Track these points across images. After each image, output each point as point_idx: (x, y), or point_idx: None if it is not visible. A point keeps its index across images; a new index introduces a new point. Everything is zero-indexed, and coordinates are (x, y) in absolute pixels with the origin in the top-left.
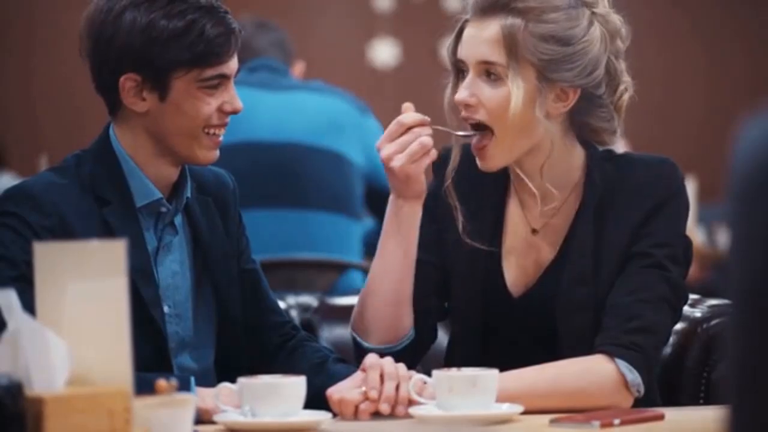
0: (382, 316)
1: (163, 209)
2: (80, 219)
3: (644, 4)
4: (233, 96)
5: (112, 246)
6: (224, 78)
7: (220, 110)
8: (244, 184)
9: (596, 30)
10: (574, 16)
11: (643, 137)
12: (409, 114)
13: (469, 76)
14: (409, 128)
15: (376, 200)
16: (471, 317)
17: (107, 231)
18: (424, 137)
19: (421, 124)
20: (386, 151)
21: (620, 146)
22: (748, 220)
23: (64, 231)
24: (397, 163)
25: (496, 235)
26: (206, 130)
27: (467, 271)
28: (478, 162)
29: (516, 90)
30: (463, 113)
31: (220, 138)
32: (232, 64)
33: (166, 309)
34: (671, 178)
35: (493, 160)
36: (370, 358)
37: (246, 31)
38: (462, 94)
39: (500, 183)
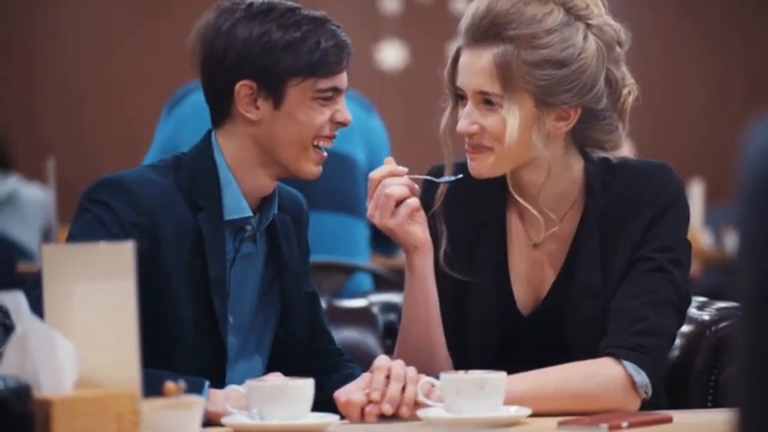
0: (416, 364)
1: (249, 227)
2: (173, 221)
3: (648, 8)
4: (344, 107)
5: (121, 249)
6: (337, 92)
7: (332, 120)
8: None
9: (591, 44)
10: (568, 35)
11: (647, 140)
12: (379, 168)
13: (468, 105)
14: (379, 182)
15: None
16: (485, 338)
17: (198, 236)
18: (388, 189)
19: (391, 175)
20: (368, 210)
21: (624, 148)
22: (756, 222)
23: (152, 231)
24: (375, 220)
25: (502, 253)
26: (315, 142)
27: (478, 294)
28: (468, 165)
29: (512, 119)
30: (468, 141)
31: (325, 154)
32: (344, 78)
33: (231, 320)
34: (671, 185)
35: (485, 170)
36: (380, 360)
37: None
38: (462, 124)
39: (500, 199)
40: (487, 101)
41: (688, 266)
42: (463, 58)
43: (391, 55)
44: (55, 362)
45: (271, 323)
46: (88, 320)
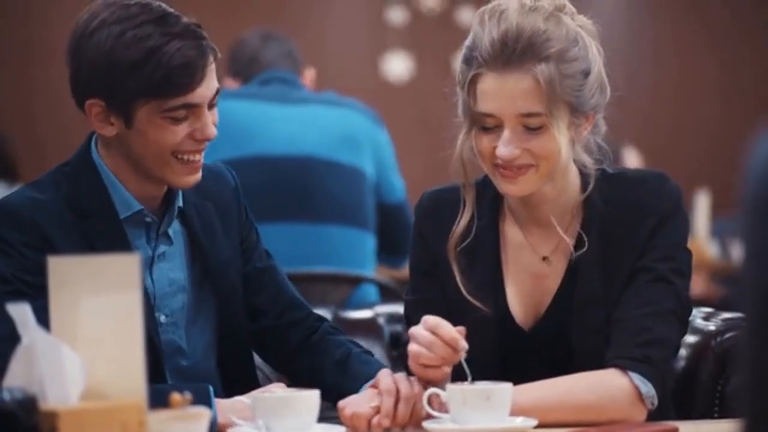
0: None
1: (148, 219)
2: (61, 233)
3: (662, 19)
4: (205, 124)
5: (126, 260)
6: (192, 107)
7: (192, 138)
8: (259, 197)
9: (592, 44)
10: (582, 42)
11: (656, 150)
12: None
13: (507, 132)
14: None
15: (378, 213)
16: (486, 357)
17: (88, 244)
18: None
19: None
20: None
21: (632, 157)
22: (761, 233)
23: (46, 245)
24: None
25: (497, 270)
26: (178, 156)
27: (476, 314)
28: (505, 187)
29: (562, 137)
30: (504, 164)
31: (199, 161)
32: (201, 92)
33: (162, 318)
34: (670, 193)
35: (527, 186)
36: (386, 380)
37: (252, 45)
38: (504, 150)
39: (492, 218)
40: (529, 124)
41: (689, 275)
42: (494, 84)
43: (397, 66)
44: (61, 374)
45: (213, 315)
46: (94, 331)
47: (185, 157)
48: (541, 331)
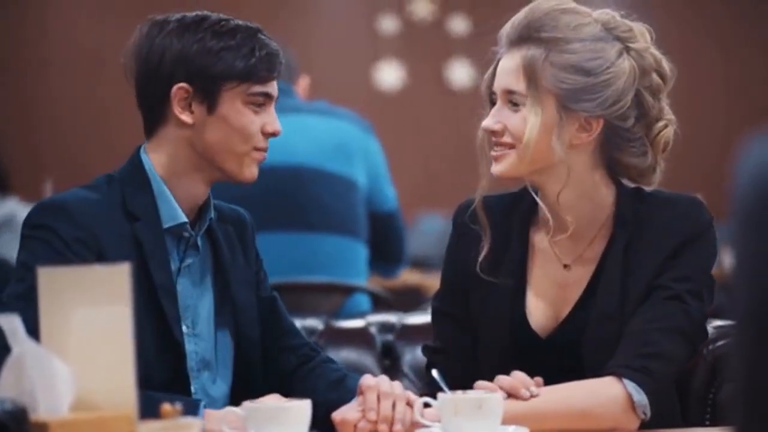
0: None
1: (186, 234)
2: (111, 233)
3: (665, 19)
4: (274, 118)
5: (117, 271)
6: (268, 98)
7: (263, 131)
8: (250, 207)
9: (625, 63)
10: (600, 48)
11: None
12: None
13: (497, 105)
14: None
15: (371, 223)
16: (498, 360)
17: (137, 246)
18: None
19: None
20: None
21: None
22: (752, 241)
23: (95, 244)
24: None
25: (523, 274)
26: (252, 154)
27: (494, 317)
28: (492, 167)
29: (533, 117)
30: (492, 139)
31: (264, 155)
32: (275, 86)
33: (184, 328)
34: (699, 218)
35: (505, 167)
36: (367, 380)
37: None
38: (488, 121)
39: (524, 222)
40: (512, 101)
41: (709, 301)
42: (501, 63)
43: (389, 75)
44: (51, 385)
45: (232, 330)
46: (85, 342)
47: (261, 151)
48: (557, 340)
